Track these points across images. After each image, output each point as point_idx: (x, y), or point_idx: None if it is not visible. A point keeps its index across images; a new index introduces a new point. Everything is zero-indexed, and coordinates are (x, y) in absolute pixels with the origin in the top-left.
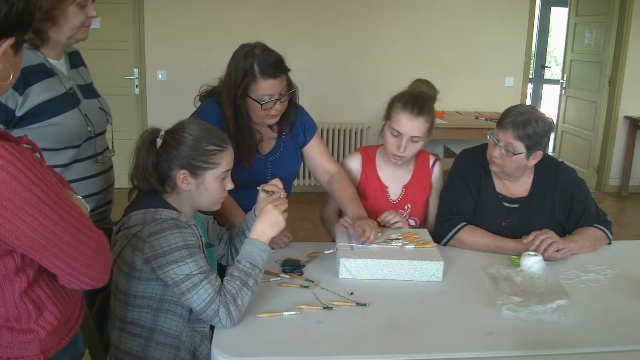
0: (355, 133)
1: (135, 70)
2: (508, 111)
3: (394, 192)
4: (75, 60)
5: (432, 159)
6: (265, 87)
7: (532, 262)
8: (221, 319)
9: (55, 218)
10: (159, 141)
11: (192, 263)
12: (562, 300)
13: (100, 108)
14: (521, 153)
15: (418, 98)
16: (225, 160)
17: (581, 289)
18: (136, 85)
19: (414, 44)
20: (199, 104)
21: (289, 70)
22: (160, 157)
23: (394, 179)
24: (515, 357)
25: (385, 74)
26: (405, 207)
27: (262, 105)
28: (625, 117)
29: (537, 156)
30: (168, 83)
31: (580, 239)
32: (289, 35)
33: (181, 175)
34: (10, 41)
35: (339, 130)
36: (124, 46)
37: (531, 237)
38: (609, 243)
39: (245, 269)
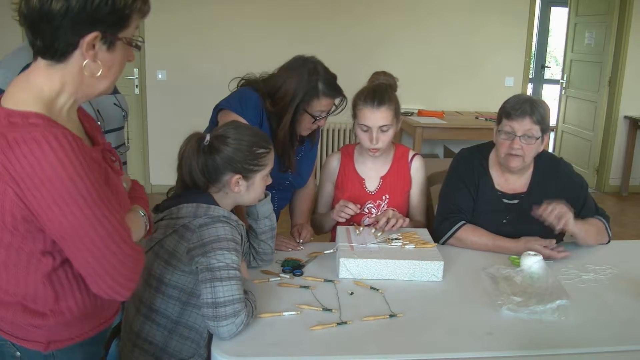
0: (356, 133)
1: (135, 70)
2: (507, 103)
3: (372, 183)
4: None
5: (411, 153)
6: (324, 105)
7: (532, 262)
8: (236, 323)
9: (87, 214)
10: (205, 146)
11: (235, 255)
12: (562, 300)
13: (115, 104)
14: (539, 137)
15: (376, 90)
16: (271, 159)
17: (581, 289)
18: (136, 85)
19: (414, 43)
20: (219, 95)
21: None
22: (208, 161)
23: (371, 171)
24: (515, 357)
25: None
26: (383, 197)
27: (315, 119)
28: (625, 117)
29: (546, 139)
30: (168, 83)
31: (585, 223)
32: (289, 34)
33: (235, 180)
34: (92, 35)
35: (338, 130)
36: None
37: (547, 207)
38: (608, 242)
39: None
